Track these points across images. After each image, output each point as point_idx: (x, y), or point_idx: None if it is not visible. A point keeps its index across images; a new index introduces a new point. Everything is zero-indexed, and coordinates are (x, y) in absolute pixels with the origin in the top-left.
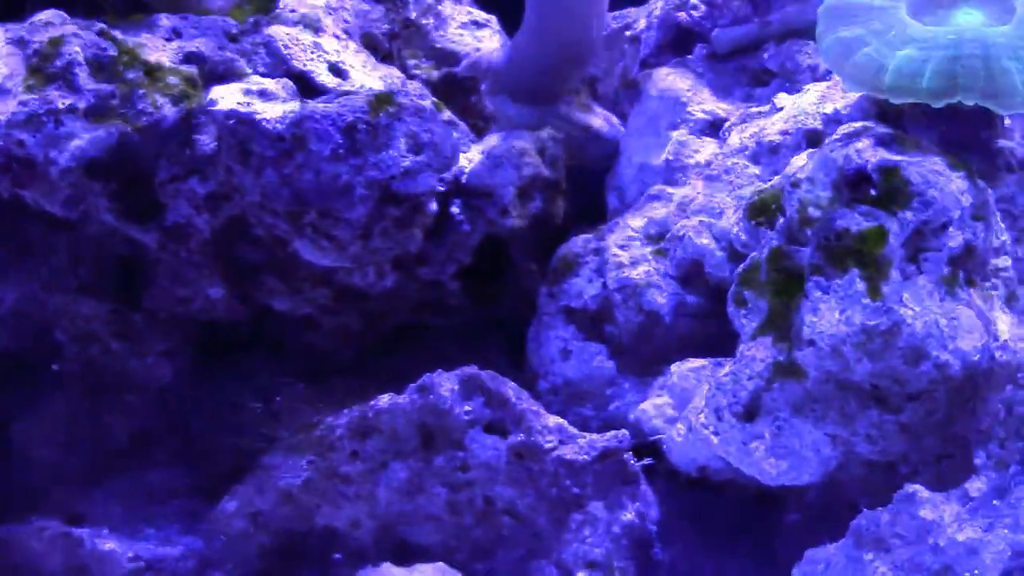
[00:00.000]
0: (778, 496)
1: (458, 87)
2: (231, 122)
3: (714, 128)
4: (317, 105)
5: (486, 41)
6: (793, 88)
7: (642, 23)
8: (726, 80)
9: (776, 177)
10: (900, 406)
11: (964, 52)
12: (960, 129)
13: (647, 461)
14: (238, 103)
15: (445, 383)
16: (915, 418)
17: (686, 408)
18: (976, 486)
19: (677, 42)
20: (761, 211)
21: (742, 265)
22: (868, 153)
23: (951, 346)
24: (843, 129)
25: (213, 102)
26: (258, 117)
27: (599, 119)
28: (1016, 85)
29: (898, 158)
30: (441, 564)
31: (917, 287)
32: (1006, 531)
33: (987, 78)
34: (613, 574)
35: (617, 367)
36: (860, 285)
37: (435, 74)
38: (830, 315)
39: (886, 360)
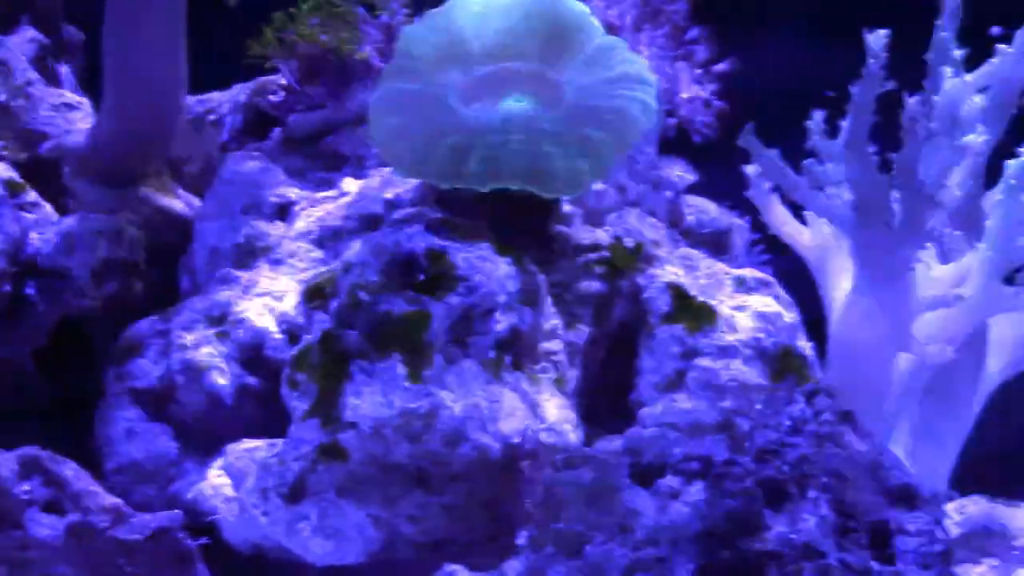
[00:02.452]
0: (331, 574)
1: (47, 169)
2: None
3: (285, 212)
4: None
5: (78, 123)
6: (363, 173)
7: (225, 107)
8: (301, 164)
9: (335, 261)
10: (442, 488)
11: (509, 138)
12: (515, 215)
13: (203, 540)
14: None
15: (5, 463)
16: (458, 499)
17: (240, 488)
18: (513, 566)
19: (257, 127)
20: (317, 295)
21: (296, 348)
22: (418, 239)
23: (492, 428)
24: (398, 214)
25: None
26: None
27: (180, 202)
28: (557, 170)
29: (446, 243)
30: None
31: (461, 371)
32: None
33: (530, 163)
34: None
35: (180, 448)
36: (402, 369)
37: (23, 155)
38: (372, 398)
39: (426, 443)
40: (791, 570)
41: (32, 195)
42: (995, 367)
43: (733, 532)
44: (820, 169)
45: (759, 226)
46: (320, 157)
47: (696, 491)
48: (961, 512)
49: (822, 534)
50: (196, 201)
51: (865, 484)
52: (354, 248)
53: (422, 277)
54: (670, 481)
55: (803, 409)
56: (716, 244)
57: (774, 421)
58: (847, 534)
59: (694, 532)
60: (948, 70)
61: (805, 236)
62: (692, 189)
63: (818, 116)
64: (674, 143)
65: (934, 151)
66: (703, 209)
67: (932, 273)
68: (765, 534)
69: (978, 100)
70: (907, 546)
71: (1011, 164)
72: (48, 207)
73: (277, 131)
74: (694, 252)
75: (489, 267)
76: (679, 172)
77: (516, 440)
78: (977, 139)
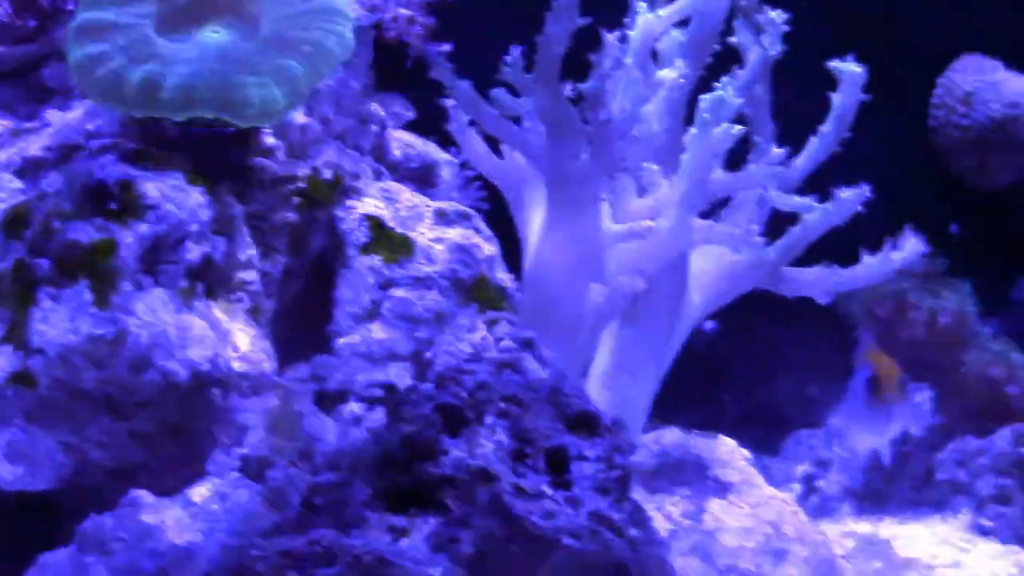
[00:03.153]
0: (27, 500)
1: None
2: None
3: None
4: None
5: None
6: (69, 105)
7: None
8: (8, 97)
9: (33, 191)
10: (130, 414)
11: (205, 68)
12: (215, 146)
13: None
14: None
15: None
16: (146, 425)
17: None
18: (200, 491)
19: None
20: (14, 224)
21: None
22: (110, 168)
23: (180, 356)
24: (95, 144)
25: None
26: None
27: None
28: (251, 98)
29: (138, 173)
30: None
31: (151, 298)
32: (222, 534)
33: (224, 92)
34: None
35: None
36: (88, 296)
37: None
38: (59, 324)
39: (113, 369)
40: (465, 494)
41: None
42: (697, 300)
43: (410, 457)
44: (510, 101)
45: None
46: (28, 89)
47: (377, 417)
48: (658, 442)
49: (498, 459)
50: None
51: (544, 411)
52: (50, 178)
53: (114, 206)
54: (353, 407)
55: (484, 336)
56: (422, 178)
57: (455, 348)
58: (523, 459)
59: (372, 457)
60: (643, 5)
61: (501, 168)
62: (421, 126)
63: (515, 51)
64: (405, 79)
65: (630, 85)
66: (410, 144)
67: (628, 206)
68: (442, 459)
69: (676, 35)
70: (584, 472)
71: (705, 99)
72: None
73: None
74: (395, 185)
75: (181, 196)
76: (397, 109)
77: (205, 368)
78: (671, 74)
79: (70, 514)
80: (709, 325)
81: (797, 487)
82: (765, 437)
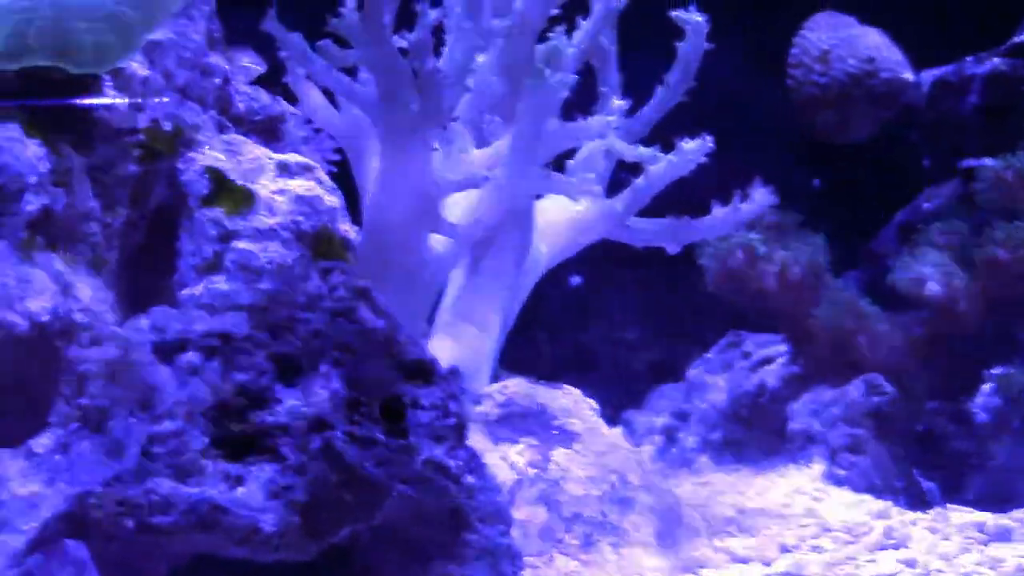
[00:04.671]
0: None
1: None
2: None
3: None
4: None
5: None
6: None
7: None
8: None
9: None
10: None
11: (38, 16)
12: (52, 96)
13: None
14: None
15: None
16: None
17: None
18: (42, 442)
19: None
20: None
21: None
22: None
23: (20, 308)
24: None
25: None
26: None
27: None
28: (85, 44)
29: None
30: None
31: None
32: (64, 484)
33: (57, 39)
34: None
35: None
36: None
37: None
38: None
39: None
40: (300, 442)
41: None
42: (544, 250)
43: (245, 405)
44: (337, 51)
45: None
46: None
47: (214, 367)
48: (503, 392)
49: (332, 407)
50: None
51: (379, 359)
52: None
53: None
54: (191, 357)
55: (318, 285)
56: (268, 131)
57: (289, 298)
58: (358, 407)
59: (208, 406)
60: None
61: (337, 120)
62: (272, 79)
63: (350, 2)
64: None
65: (460, 35)
66: (255, 97)
67: (467, 156)
68: (276, 407)
69: None
70: (420, 420)
71: (539, 48)
72: None
73: None
74: (238, 137)
75: (18, 148)
76: (247, 62)
77: (46, 319)
78: (501, 23)
79: None
80: (575, 280)
81: (658, 439)
82: (628, 390)
